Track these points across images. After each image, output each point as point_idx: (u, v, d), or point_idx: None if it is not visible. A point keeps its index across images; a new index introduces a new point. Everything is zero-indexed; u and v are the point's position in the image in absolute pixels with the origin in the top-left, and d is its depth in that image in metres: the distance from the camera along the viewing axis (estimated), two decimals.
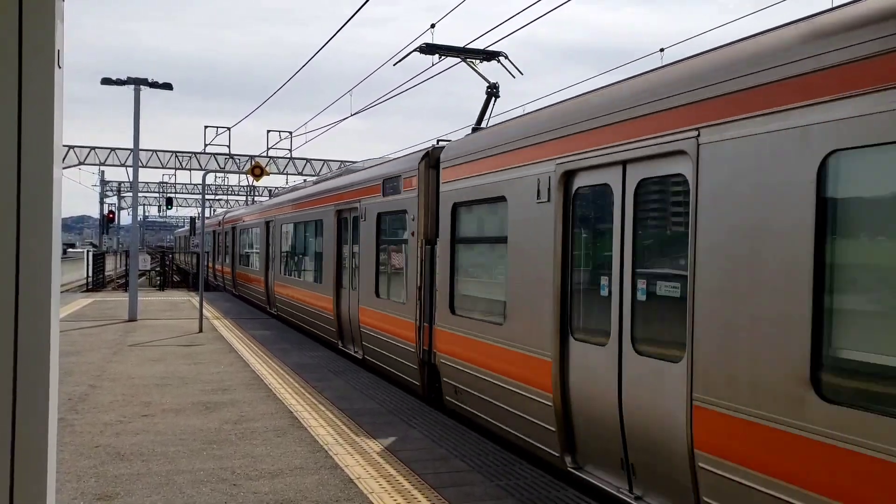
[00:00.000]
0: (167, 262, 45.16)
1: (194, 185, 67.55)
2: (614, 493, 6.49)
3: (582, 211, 7.22)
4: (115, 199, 72.33)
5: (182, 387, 11.35)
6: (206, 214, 72.60)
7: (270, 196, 37.80)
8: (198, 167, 45.62)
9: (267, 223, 24.01)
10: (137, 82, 20.23)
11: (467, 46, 13.04)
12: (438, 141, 11.84)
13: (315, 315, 17.40)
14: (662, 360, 5.92)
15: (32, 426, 3.35)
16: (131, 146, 21.33)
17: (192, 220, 37.01)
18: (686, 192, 5.71)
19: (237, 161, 45.39)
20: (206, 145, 41.35)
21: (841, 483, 4.32)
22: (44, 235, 3.86)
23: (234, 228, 32.05)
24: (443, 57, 13.05)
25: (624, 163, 6.41)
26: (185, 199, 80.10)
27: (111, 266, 53.08)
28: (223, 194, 73.27)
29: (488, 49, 12.70)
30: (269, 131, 43.10)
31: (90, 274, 36.37)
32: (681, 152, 5.65)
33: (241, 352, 15.05)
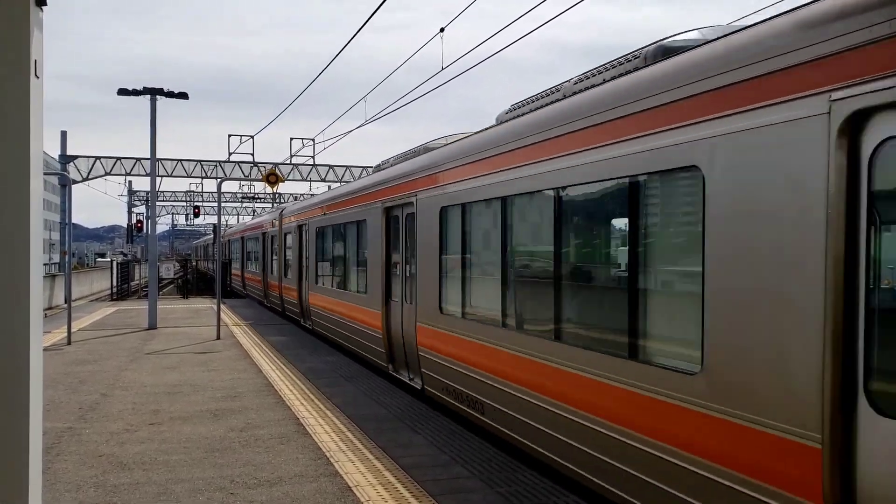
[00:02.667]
0: (189, 270, 45.48)
1: (221, 192, 68.05)
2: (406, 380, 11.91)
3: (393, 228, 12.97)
4: (143, 209, 73.23)
5: (192, 394, 11.36)
6: (250, 218, 72.40)
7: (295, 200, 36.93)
8: (222, 176, 46.03)
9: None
10: (153, 92, 20.42)
11: None
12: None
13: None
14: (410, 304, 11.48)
15: (13, 435, 3.27)
16: (156, 156, 21.55)
17: (215, 227, 37.18)
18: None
19: (261, 169, 45.63)
20: (230, 153, 41.67)
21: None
22: (20, 249, 3.78)
23: (263, 236, 29.67)
24: None
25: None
26: (214, 207, 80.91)
27: (141, 274, 53.59)
28: (249, 201, 73.83)
29: None
30: (291, 139, 43.21)
31: (115, 283, 36.75)
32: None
33: (256, 358, 15.07)
